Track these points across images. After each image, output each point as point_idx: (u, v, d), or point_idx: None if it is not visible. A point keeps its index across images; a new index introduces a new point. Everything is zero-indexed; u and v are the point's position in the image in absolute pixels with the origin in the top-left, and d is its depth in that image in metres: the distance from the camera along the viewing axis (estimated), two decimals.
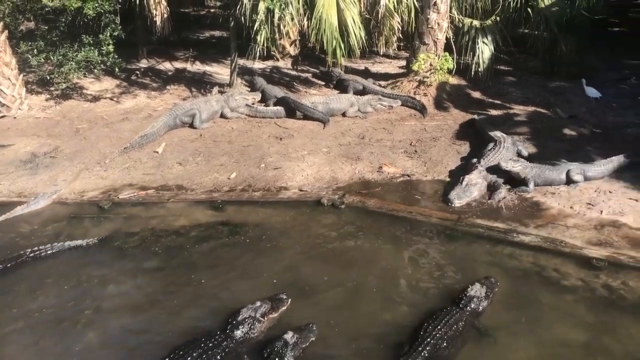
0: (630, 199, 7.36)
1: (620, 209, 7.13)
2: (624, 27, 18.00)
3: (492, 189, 7.57)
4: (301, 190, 7.77)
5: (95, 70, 10.92)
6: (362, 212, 7.28)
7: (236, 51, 11.45)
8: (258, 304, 5.09)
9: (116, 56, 10.76)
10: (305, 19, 11.47)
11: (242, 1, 10.22)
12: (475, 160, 8.02)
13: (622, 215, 6.99)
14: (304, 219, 7.12)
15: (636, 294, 5.59)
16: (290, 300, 5.32)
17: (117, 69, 10.99)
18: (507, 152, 8.13)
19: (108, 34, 10.56)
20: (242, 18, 10.56)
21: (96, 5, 10.22)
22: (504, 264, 6.19)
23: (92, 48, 10.56)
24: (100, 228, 6.96)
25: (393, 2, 11.05)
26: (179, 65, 13.49)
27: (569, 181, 7.74)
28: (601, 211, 7.10)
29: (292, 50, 13.80)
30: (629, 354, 4.85)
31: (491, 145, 8.43)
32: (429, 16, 11.28)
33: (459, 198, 7.24)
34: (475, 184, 7.40)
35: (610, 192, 7.57)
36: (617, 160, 8.11)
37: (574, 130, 9.87)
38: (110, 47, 10.57)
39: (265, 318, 5.01)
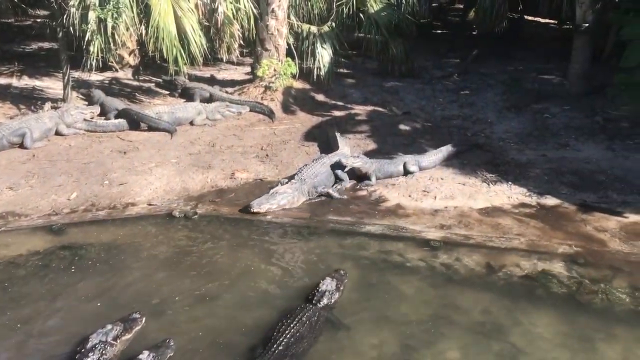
0: (459, 183, 8.21)
1: (451, 193, 7.92)
2: (446, 29, 19.96)
3: (325, 192, 7.81)
4: (150, 205, 7.48)
5: None
6: (217, 220, 7.20)
7: (68, 63, 10.66)
8: (109, 327, 4.81)
9: None
10: (142, 28, 11.06)
11: (69, 10, 9.54)
12: (285, 180, 7.99)
13: (452, 199, 7.77)
14: (155, 234, 6.85)
15: (468, 267, 6.25)
16: (144, 318, 5.11)
17: None
18: (322, 167, 8.08)
19: None
20: (72, 28, 9.86)
21: None
22: (354, 254, 6.54)
23: None
24: None
25: (232, 10, 11.08)
26: (2, 81, 12.20)
27: (407, 172, 8.43)
28: (435, 197, 7.82)
29: (132, 60, 13.22)
30: (468, 321, 5.38)
31: (313, 159, 8.63)
32: (268, 23, 11.53)
33: (259, 205, 7.26)
34: (283, 193, 7.46)
35: (442, 179, 8.37)
36: (445, 150, 9.00)
37: (408, 125, 10.74)
38: None
39: (118, 340, 4.75)
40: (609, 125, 10.32)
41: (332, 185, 8.07)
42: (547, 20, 19.58)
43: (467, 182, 8.23)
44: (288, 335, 4.83)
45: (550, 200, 7.66)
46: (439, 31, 19.31)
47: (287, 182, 7.80)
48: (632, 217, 7.16)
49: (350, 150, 9.11)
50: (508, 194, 7.84)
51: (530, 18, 19.38)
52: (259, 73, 11.51)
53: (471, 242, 6.69)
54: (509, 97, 12.17)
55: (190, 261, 6.28)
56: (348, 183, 8.19)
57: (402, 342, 5.10)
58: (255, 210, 7.22)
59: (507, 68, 14.40)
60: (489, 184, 8.13)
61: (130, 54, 13.15)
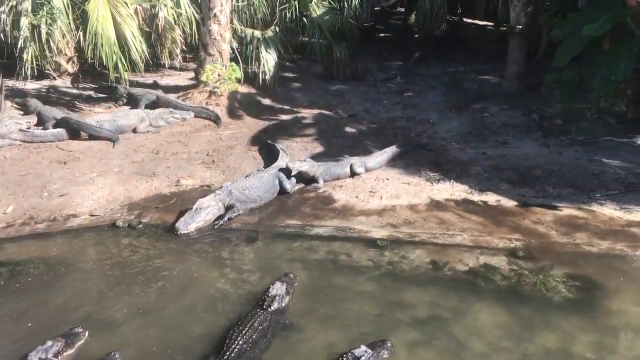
0: (404, 183, 8.39)
1: (397, 192, 8.08)
2: (388, 32, 20.31)
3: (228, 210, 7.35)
4: (93, 215, 7.27)
5: None
6: (162, 229, 7.06)
7: (1, 72, 10.23)
8: (49, 343, 4.65)
9: None
10: (80, 34, 10.77)
11: (0, 16, 9.17)
12: (227, 184, 7.64)
13: (398, 198, 7.93)
14: (98, 245, 6.67)
15: (413, 264, 6.38)
16: (87, 332, 4.96)
17: None
18: (257, 181, 7.77)
19: None
20: (2, 35, 9.47)
21: None
22: (304, 257, 6.56)
23: None
24: None
25: (173, 15, 10.93)
26: None
27: (353, 174, 8.55)
28: (381, 197, 7.96)
29: (70, 68, 12.78)
30: (415, 317, 5.50)
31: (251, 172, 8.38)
32: (210, 27, 11.44)
33: (186, 225, 6.88)
34: (207, 207, 7.09)
35: (387, 179, 8.53)
36: (390, 151, 9.18)
37: (354, 127, 10.90)
38: None
39: (60, 357, 4.60)
40: (544, 123, 10.78)
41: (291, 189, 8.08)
42: (485, 23, 20.25)
43: (411, 181, 8.42)
44: (241, 342, 4.81)
45: (491, 196, 7.93)
46: (382, 34, 19.63)
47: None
48: (567, 210, 7.51)
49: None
50: (451, 192, 8.07)
51: (469, 20, 19.99)
52: (203, 78, 11.40)
53: (416, 239, 6.84)
54: (450, 97, 12.53)
55: (135, 271, 6.13)
56: (295, 187, 8.19)
57: (353, 340, 5.14)
58: (182, 232, 6.83)
59: (448, 69, 14.82)
60: (432, 183, 8.35)
61: (68, 61, 12.71)
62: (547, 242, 6.77)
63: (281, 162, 8.50)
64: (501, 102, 11.92)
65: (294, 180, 8.22)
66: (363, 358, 4.69)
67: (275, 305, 5.38)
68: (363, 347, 4.78)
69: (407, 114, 11.74)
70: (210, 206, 7.16)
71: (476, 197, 7.94)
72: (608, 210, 7.45)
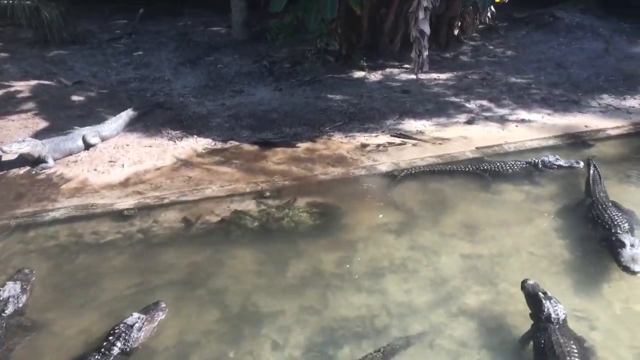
0: (146, 146, 8.05)
1: (139, 158, 7.72)
2: None
3: None
4: None
5: None
6: None
7: None
8: None
9: None
10: None
11: None
12: None
13: (141, 163, 7.58)
14: None
15: (166, 227, 6.23)
16: None
17: None
18: None
19: None
20: None
21: None
22: (41, 246, 5.90)
23: None
24: None
25: None
26: None
27: (87, 145, 7.88)
28: (123, 165, 7.51)
29: None
30: (174, 278, 5.45)
31: None
32: None
33: None
34: None
35: (127, 145, 8.07)
36: (126, 115, 8.66)
37: (82, 95, 9.95)
38: None
39: None
40: (274, 68, 11.29)
41: None
42: None
43: (153, 143, 8.11)
44: None
45: (234, 145, 8.10)
46: None
47: None
48: (303, 146, 8.09)
49: None
50: (195, 147, 8.01)
51: None
52: None
53: (165, 202, 6.65)
54: (182, 52, 12.26)
55: None
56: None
57: (110, 318, 4.87)
58: None
59: (177, 24, 14.40)
60: (175, 141, 8.16)
61: None
62: (289, 178, 7.21)
63: None
64: (232, 52, 12.11)
65: None
66: (137, 324, 4.57)
67: (10, 309, 4.77)
68: (135, 315, 4.66)
69: (139, 74, 11.13)
70: None
71: (220, 147, 8.03)
72: (336, 141, 8.26)
